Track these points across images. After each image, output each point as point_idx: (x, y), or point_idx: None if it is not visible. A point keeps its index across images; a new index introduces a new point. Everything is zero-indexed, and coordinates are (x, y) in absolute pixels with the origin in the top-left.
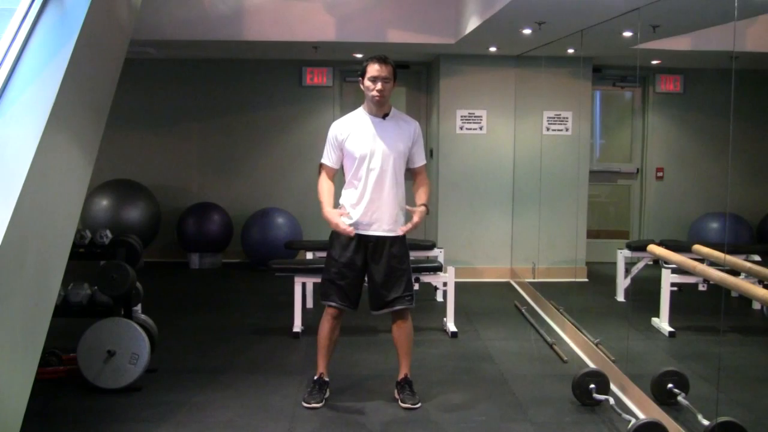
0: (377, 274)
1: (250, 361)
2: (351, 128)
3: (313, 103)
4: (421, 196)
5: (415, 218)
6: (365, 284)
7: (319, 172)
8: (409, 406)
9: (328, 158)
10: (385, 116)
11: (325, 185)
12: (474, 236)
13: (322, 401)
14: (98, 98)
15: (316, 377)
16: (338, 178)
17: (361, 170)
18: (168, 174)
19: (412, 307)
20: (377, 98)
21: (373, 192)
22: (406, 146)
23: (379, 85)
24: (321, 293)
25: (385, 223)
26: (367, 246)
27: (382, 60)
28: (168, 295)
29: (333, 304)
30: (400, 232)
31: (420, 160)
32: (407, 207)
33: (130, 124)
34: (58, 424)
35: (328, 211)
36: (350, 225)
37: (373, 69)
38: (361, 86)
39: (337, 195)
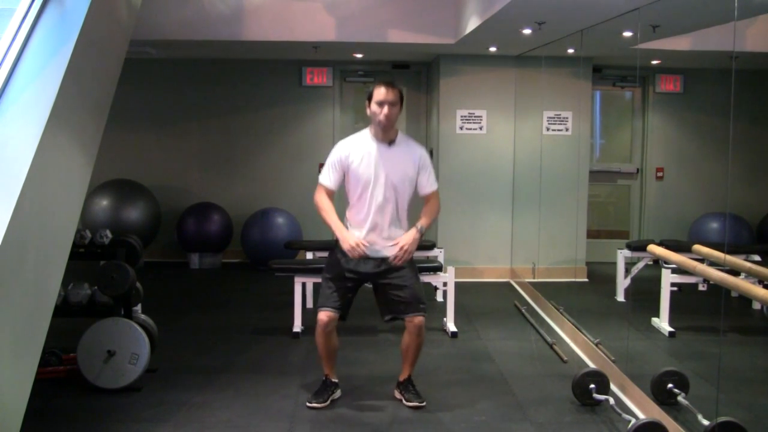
0: (384, 288)
1: (250, 361)
2: (356, 152)
3: (313, 103)
4: (420, 219)
5: (400, 241)
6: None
7: (317, 190)
8: (417, 404)
9: (328, 178)
10: (391, 143)
11: (326, 205)
12: (474, 236)
13: (324, 401)
14: (98, 98)
15: (323, 378)
16: (339, 192)
17: (364, 196)
18: (168, 174)
19: (425, 315)
20: (384, 123)
21: (374, 218)
22: (412, 175)
23: (386, 110)
24: (319, 303)
25: (389, 249)
26: (373, 261)
27: (388, 84)
28: (168, 295)
29: (328, 308)
30: (397, 262)
31: (428, 187)
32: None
33: (130, 124)
34: (58, 424)
35: (345, 235)
36: None
37: (380, 93)
38: (368, 111)
39: (340, 213)
